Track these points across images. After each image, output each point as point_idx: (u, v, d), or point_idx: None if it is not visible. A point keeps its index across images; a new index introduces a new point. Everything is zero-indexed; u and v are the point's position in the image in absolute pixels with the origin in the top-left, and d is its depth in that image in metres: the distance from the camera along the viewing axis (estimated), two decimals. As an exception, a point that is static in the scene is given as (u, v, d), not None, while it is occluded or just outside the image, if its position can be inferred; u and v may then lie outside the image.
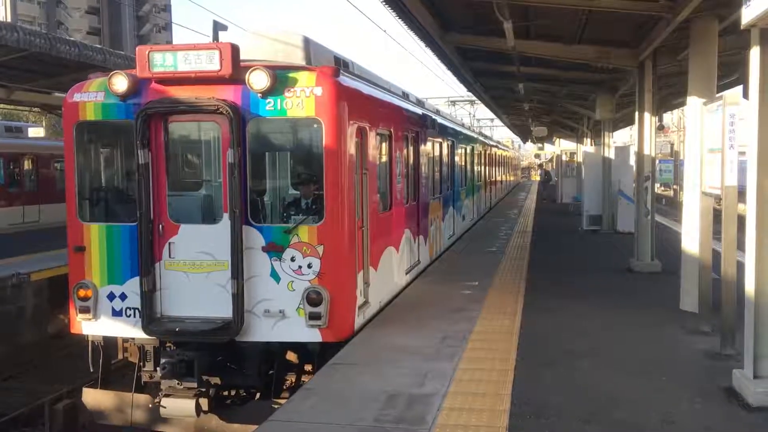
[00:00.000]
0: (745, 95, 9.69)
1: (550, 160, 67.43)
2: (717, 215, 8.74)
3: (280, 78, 8.19)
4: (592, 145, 29.13)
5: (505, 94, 27.74)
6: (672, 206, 40.98)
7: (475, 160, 23.99)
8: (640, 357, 8.35)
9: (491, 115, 44.24)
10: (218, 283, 8.37)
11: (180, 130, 8.99)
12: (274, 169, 9.44)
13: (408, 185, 12.31)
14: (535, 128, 40.16)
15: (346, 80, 8.93)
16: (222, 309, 8.29)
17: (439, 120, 16.61)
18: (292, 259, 8.27)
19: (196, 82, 8.21)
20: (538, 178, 68.81)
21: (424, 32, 13.76)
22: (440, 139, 16.00)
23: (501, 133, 65.66)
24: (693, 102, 10.60)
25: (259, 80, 8.06)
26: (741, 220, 7.45)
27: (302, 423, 6.23)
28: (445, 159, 16.86)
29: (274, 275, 8.31)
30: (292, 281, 8.28)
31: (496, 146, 36.79)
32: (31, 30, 16.37)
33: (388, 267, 10.72)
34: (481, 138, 28.22)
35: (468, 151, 21.89)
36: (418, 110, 14.06)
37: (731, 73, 17.01)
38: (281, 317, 8.29)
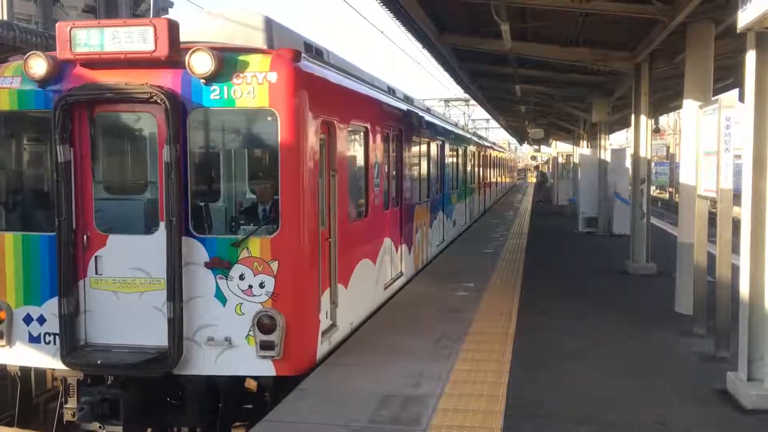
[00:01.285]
0: (741, 98, 9.75)
1: (547, 162, 67.60)
2: (712, 218, 8.76)
3: (228, 61, 7.04)
4: (588, 147, 29.18)
5: (501, 96, 27.77)
6: (668, 209, 41.10)
7: (468, 162, 23.29)
8: (635, 359, 8.37)
9: (487, 115, 44.28)
10: (154, 305, 7.14)
11: (110, 123, 7.76)
12: (221, 169, 8.16)
13: (389, 189, 11.21)
14: (532, 130, 40.22)
15: (309, 66, 7.71)
16: (157, 336, 7.04)
17: (428, 118, 15.67)
18: (241, 277, 7.06)
19: (127, 65, 7.05)
20: (534, 180, 68.97)
21: (420, 33, 13.78)
22: (429, 139, 15.15)
23: (497, 134, 65.78)
24: (689, 105, 10.64)
25: (201, 63, 6.90)
26: (736, 223, 7.47)
27: (297, 423, 6.22)
28: (434, 160, 15.94)
29: (220, 296, 7.09)
30: (241, 303, 7.06)
31: (492, 147, 36.47)
32: (28, 28, 16.35)
33: (363, 283, 9.52)
34: (475, 138, 27.59)
35: (461, 152, 21.16)
36: (403, 106, 12.94)
37: (727, 76, 17.09)
38: (227, 346, 7.06)
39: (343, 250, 8.51)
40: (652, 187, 34.26)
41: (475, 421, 6.24)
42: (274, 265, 7.04)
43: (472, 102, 36.04)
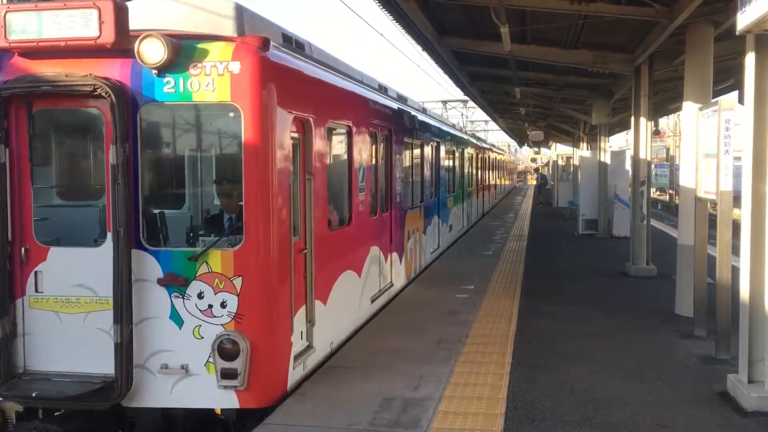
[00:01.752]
0: (741, 100, 9.76)
1: (546, 164, 67.68)
2: (712, 220, 8.77)
3: (185, 50, 6.20)
4: (588, 149, 29.21)
5: (501, 98, 27.81)
6: (668, 211, 41.10)
7: (466, 164, 22.69)
8: (635, 361, 8.36)
9: (486, 117, 44.29)
10: (100, 327, 6.30)
11: (51, 120, 6.92)
12: (178, 173, 7.30)
13: (377, 193, 10.43)
14: (532, 132, 40.26)
15: (280, 56, 6.86)
16: (104, 363, 6.19)
17: (421, 118, 14.78)
18: (200, 296, 6.25)
19: (70, 54, 6.20)
20: (534, 183, 69.04)
21: (420, 36, 13.80)
22: (423, 140, 14.39)
23: (497, 136, 65.82)
24: (689, 107, 10.65)
25: (151, 51, 6.06)
26: (736, 225, 7.48)
27: (297, 426, 6.21)
28: (428, 162, 15.17)
29: (175, 317, 6.28)
30: (200, 326, 6.26)
31: (490, 149, 36.16)
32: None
33: (345, 297, 8.71)
34: (473, 140, 26.99)
35: (457, 154, 20.54)
36: (394, 105, 12.08)
37: (727, 78, 17.11)
38: (184, 375, 6.26)
39: (321, 262, 7.72)
40: (652, 189, 34.36)
41: (476, 423, 6.23)
42: (238, 282, 6.24)
43: (471, 103, 36.02)
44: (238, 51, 6.22)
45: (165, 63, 6.09)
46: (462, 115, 46.50)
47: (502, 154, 47.39)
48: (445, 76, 20.04)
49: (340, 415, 6.43)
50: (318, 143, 7.58)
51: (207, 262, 6.26)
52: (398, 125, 11.90)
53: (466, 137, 24.61)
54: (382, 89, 12.02)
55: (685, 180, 10.93)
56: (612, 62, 14.82)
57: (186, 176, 7.33)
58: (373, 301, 10.17)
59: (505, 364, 7.96)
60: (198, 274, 6.27)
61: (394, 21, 12.49)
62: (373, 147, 10.27)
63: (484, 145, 32.85)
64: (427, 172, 15.03)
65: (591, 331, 9.77)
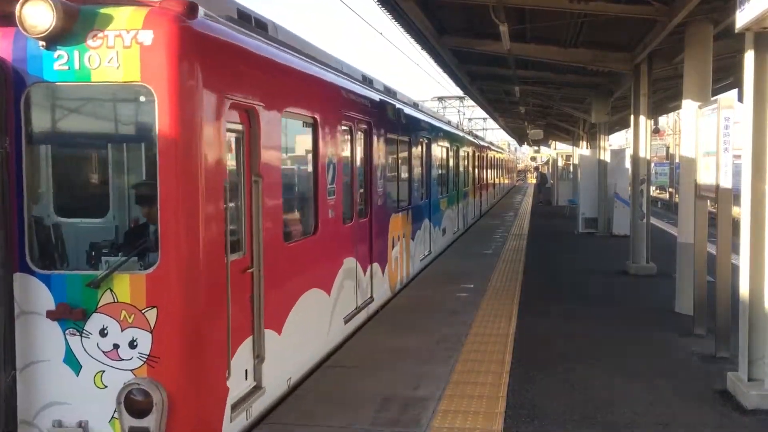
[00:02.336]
0: (740, 98, 9.76)
1: (546, 163, 67.72)
2: (712, 218, 8.77)
3: (84, 16, 4.92)
4: (587, 148, 29.21)
5: (501, 97, 27.80)
6: (667, 209, 41.12)
7: (462, 163, 21.82)
8: (635, 359, 8.36)
9: (485, 115, 44.22)
10: None
11: None
12: (77, 174, 5.84)
13: (353, 197, 9.23)
14: (531, 131, 40.28)
15: (213, 28, 5.48)
16: None
17: (409, 111, 13.45)
18: (103, 333, 4.98)
19: None
20: (534, 181, 69.09)
21: (420, 35, 13.80)
22: (411, 137, 13.23)
23: (497, 135, 65.83)
24: (688, 105, 10.65)
25: (36, 16, 4.77)
26: (735, 223, 7.48)
27: (296, 426, 6.21)
28: (417, 161, 14.00)
29: (71, 361, 5.02)
30: (103, 371, 5.00)
31: (489, 147, 35.80)
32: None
33: (309, 321, 7.46)
34: (469, 137, 26.10)
35: (452, 152, 19.43)
36: (375, 96, 10.68)
37: (726, 76, 17.12)
38: None
39: (275, 283, 6.43)
40: (652, 188, 34.37)
41: (476, 422, 6.23)
42: (152, 315, 4.95)
43: (469, 101, 35.98)
44: (152, 17, 4.90)
45: (55, 32, 4.82)
46: (459, 111, 46.25)
47: (501, 152, 47.24)
48: (444, 75, 20.06)
49: (340, 414, 6.43)
50: (269, 137, 6.30)
51: (111, 290, 4.99)
52: (381, 119, 10.68)
53: (461, 134, 24.03)
54: (367, 80, 10.94)
55: (684, 178, 10.94)
56: (611, 61, 14.83)
57: (87, 178, 5.95)
58: (347, 322, 8.91)
59: (505, 363, 7.97)
60: (100, 305, 5.00)
61: (393, 20, 12.49)
62: (348, 143, 9.01)
63: (482, 143, 32.52)
64: (416, 172, 13.92)
65: (591, 330, 9.77)
